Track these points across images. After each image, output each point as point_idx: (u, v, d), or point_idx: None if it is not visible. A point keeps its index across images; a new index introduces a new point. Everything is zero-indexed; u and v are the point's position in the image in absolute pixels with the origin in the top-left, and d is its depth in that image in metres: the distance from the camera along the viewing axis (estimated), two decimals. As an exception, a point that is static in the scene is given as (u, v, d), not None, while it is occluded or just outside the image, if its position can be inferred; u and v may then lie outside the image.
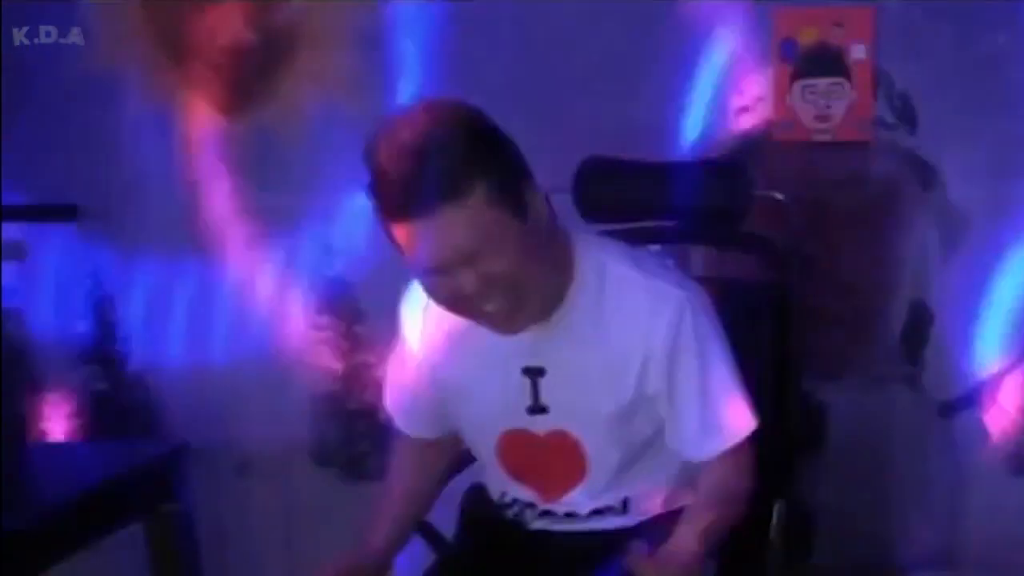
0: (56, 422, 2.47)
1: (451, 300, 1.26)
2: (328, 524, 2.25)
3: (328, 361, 2.30)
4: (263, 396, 2.35)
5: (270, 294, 2.31)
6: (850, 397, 2.02)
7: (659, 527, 1.37)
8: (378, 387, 2.33)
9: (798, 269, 1.69)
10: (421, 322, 1.44)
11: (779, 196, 1.74)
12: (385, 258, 2.21)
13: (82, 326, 2.43)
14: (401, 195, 1.19)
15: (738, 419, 1.36)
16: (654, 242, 1.73)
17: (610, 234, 1.56)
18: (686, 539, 1.27)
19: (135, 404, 2.42)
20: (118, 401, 2.44)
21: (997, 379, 1.92)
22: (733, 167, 1.73)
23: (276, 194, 2.27)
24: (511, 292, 1.25)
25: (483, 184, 1.18)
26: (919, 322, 1.99)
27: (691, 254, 1.96)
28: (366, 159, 1.21)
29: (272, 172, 2.28)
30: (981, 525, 1.97)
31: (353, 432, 2.33)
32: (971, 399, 1.93)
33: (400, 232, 1.22)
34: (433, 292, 1.27)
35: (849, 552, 2.01)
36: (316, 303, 2.28)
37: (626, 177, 1.72)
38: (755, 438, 1.37)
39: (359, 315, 2.27)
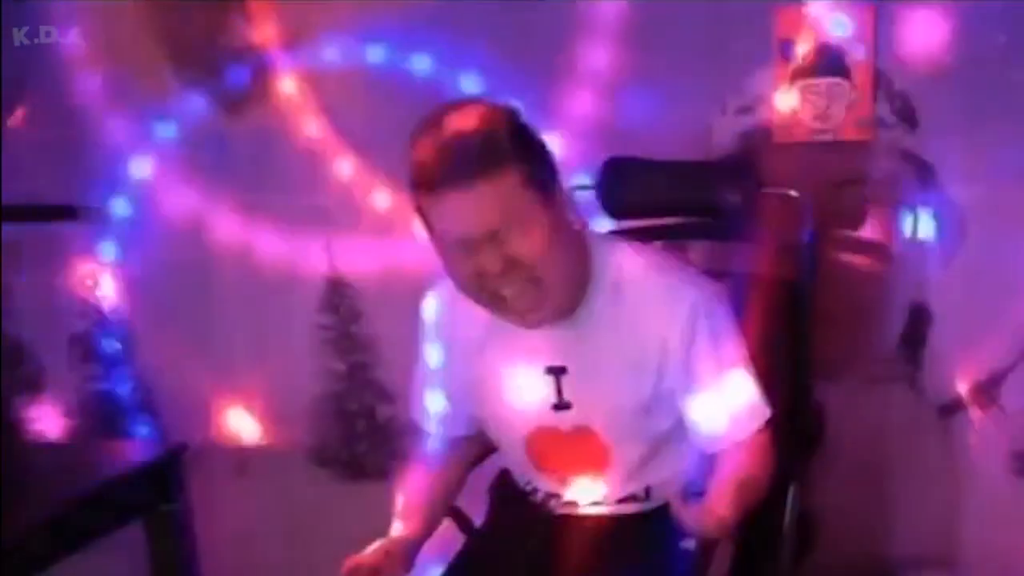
0: (56, 422, 2.47)
1: (474, 279, 1.31)
2: (328, 524, 2.25)
3: (328, 361, 2.31)
4: (263, 396, 2.36)
5: (270, 293, 2.31)
6: (850, 397, 2.02)
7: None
8: (378, 387, 2.36)
9: (812, 265, 1.72)
10: (447, 325, 1.50)
11: (793, 193, 1.76)
12: (385, 258, 2.21)
13: (82, 326, 2.44)
14: (440, 166, 1.27)
15: (752, 410, 1.41)
16: (671, 238, 1.77)
17: (630, 231, 1.61)
18: (720, 495, 1.30)
19: (135, 404, 2.43)
20: (118, 401, 2.44)
21: (997, 379, 1.92)
22: (747, 165, 1.76)
23: (276, 194, 2.27)
24: (532, 280, 1.31)
25: (517, 167, 1.27)
26: (919, 322, 1.99)
27: (706, 249, 1.97)
28: (411, 140, 1.29)
29: (272, 172, 2.28)
30: (981, 525, 1.98)
31: (353, 432, 2.33)
32: (971, 399, 1.92)
33: (434, 205, 1.30)
34: (457, 269, 1.33)
35: (848, 552, 2.01)
36: (316, 303, 2.29)
37: (648, 176, 1.76)
38: (770, 427, 1.42)
39: (359, 315, 2.28)
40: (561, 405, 1.43)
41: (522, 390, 1.44)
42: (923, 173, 1.97)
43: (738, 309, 1.43)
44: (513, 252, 1.28)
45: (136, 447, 2.30)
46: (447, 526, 1.59)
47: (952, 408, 1.96)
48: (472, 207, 1.26)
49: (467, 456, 1.62)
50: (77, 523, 1.89)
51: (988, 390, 1.93)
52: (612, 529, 1.48)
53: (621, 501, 1.49)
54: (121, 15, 2.32)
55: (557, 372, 1.42)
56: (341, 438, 2.32)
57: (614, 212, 1.75)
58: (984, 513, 1.97)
